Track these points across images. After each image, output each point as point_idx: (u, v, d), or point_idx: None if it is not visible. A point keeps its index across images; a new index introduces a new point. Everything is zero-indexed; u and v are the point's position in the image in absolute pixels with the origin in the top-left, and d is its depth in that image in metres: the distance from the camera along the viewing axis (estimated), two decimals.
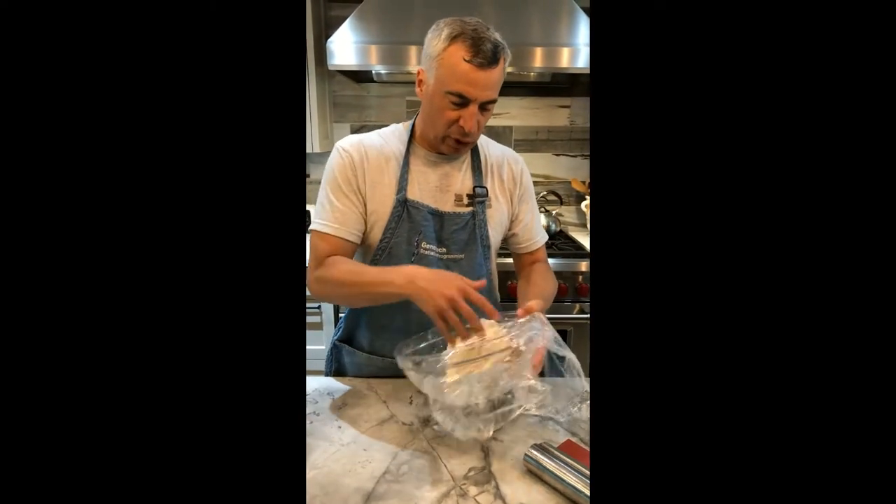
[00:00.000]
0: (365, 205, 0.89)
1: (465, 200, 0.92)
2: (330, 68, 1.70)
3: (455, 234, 0.91)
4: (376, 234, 0.89)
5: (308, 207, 2.15)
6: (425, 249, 0.90)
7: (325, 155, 2.25)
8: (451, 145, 0.87)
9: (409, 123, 0.95)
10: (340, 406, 0.84)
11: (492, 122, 2.12)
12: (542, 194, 2.08)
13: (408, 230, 0.89)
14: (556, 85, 2.06)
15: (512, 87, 2.09)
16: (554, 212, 2.04)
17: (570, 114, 2.14)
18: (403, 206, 0.88)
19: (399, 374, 0.94)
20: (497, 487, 0.65)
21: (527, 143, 2.16)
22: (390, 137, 0.93)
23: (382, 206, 0.88)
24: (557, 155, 2.17)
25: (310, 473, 0.67)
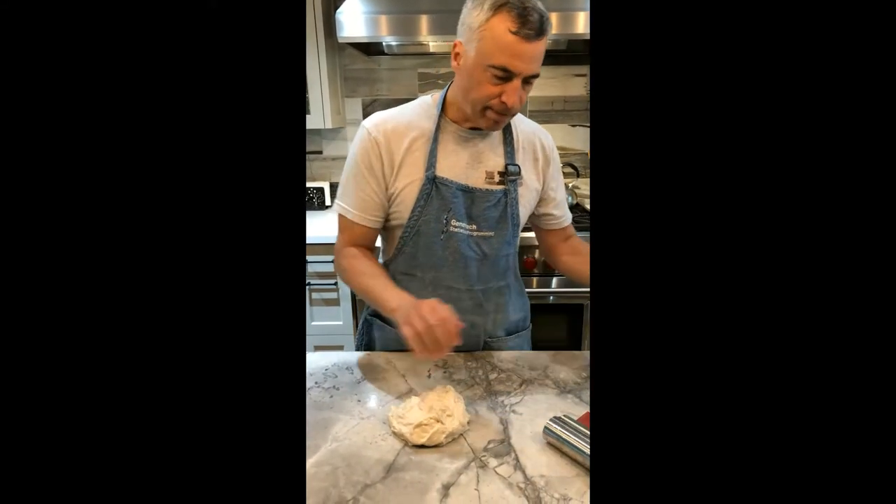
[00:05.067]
0: (387, 188, 0.89)
1: (497, 178, 0.90)
2: (339, 41, 1.67)
3: (486, 212, 0.90)
4: (404, 213, 0.88)
5: (320, 184, 2.15)
6: (454, 227, 0.89)
7: (337, 131, 2.23)
8: (491, 120, 0.83)
9: (437, 97, 0.91)
10: (360, 380, 0.85)
11: None
12: None
13: (437, 208, 0.88)
14: (572, 52, 1.99)
15: None
16: (570, 184, 2.01)
17: (586, 83, 2.08)
18: (432, 184, 0.87)
19: None
20: (517, 459, 0.66)
21: (542, 113, 2.11)
22: (419, 112, 0.90)
23: (411, 184, 0.87)
24: (574, 126, 2.12)
25: (331, 445, 0.69)
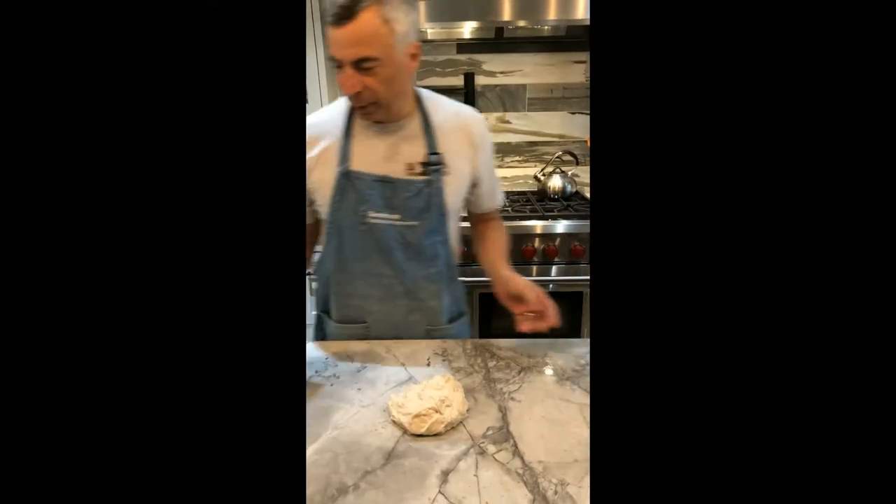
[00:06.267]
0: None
1: (418, 168, 0.90)
2: None
3: (409, 202, 0.90)
4: (324, 209, 0.92)
5: None
6: (374, 218, 0.90)
7: None
8: (357, 108, 0.85)
9: None
10: (359, 369, 0.86)
11: (504, 80, 2.06)
12: (557, 154, 2.04)
13: (353, 201, 0.89)
14: (572, 39, 1.97)
15: (524, 43, 2.02)
16: (570, 172, 2.00)
17: (586, 69, 2.06)
18: (347, 178, 0.89)
19: (382, 336, 0.98)
20: (515, 446, 0.66)
21: (541, 101, 2.09)
22: (334, 110, 0.93)
23: (325, 181, 0.89)
24: (573, 113, 2.11)
25: (332, 433, 0.69)
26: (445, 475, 0.61)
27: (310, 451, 0.66)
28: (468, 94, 2.04)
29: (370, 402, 0.76)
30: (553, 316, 0.84)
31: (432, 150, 0.91)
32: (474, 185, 0.98)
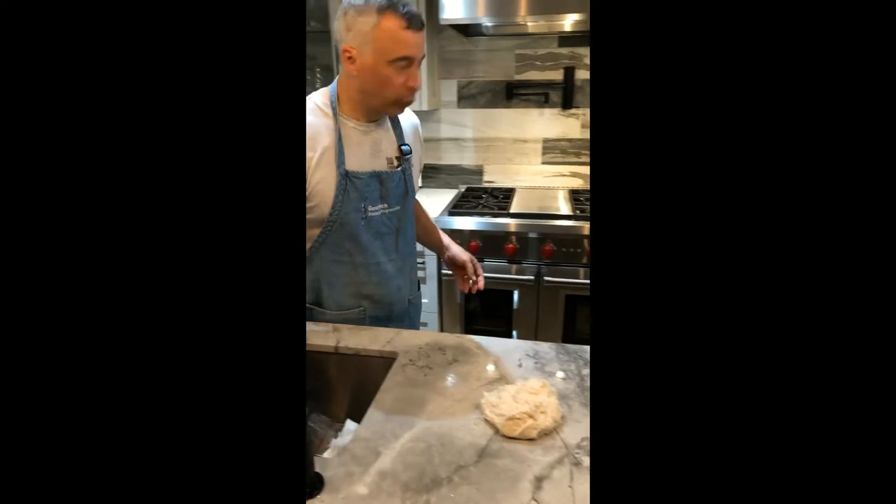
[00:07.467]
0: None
1: (395, 162, 1.05)
2: (441, 23, 1.67)
3: (394, 191, 1.04)
4: (324, 209, 0.97)
5: None
6: (372, 211, 1.01)
7: (431, 113, 2.25)
8: (402, 105, 0.98)
9: (326, 98, 0.99)
10: (451, 362, 0.87)
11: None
12: None
13: (355, 199, 0.99)
14: None
15: None
16: None
17: None
18: (346, 179, 0.97)
19: (377, 316, 1.08)
20: None
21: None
22: (317, 116, 0.98)
23: (326, 182, 0.96)
24: None
25: (426, 423, 0.71)
26: (539, 482, 0.61)
27: (406, 437, 0.68)
28: (567, 89, 1.98)
29: (462, 396, 0.78)
30: (480, 282, 1.12)
31: (402, 143, 1.06)
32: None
